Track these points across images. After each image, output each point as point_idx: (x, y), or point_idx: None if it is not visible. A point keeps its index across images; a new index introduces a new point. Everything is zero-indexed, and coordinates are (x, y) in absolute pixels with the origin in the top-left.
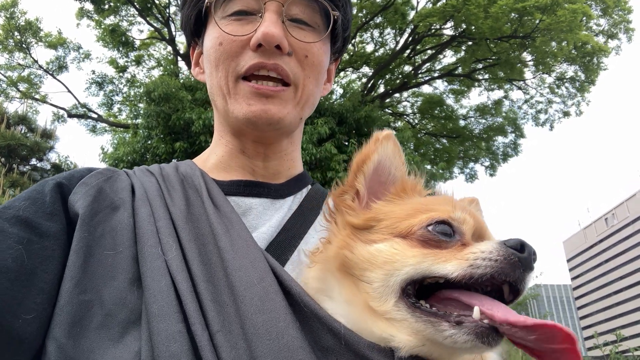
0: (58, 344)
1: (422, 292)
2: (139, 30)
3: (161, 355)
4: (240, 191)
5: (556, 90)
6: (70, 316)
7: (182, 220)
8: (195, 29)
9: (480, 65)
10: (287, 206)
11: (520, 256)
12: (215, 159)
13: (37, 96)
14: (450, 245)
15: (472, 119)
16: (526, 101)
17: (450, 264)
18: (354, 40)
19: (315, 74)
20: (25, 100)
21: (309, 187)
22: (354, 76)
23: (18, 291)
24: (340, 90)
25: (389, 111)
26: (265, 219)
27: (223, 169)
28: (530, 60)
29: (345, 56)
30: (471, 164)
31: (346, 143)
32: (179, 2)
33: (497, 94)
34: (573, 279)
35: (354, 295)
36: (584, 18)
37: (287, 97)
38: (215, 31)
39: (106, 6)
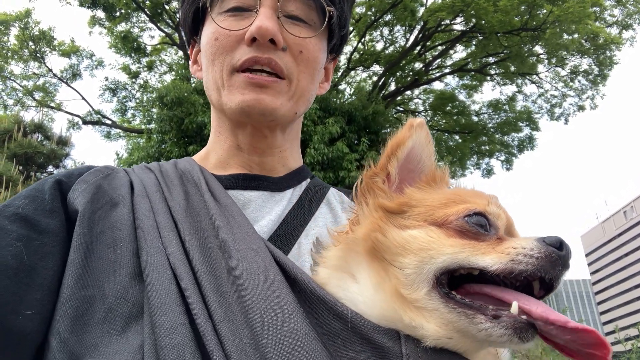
0: (61, 338)
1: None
2: (150, 36)
3: (164, 347)
4: (239, 184)
5: (570, 83)
6: (73, 311)
7: (182, 214)
8: (193, 27)
9: (491, 60)
10: (287, 199)
11: (560, 254)
12: (215, 158)
13: (52, 104)
14: (488, 239)
15: (486, 114)
16: (540, 95)
17: (489, 257)
18: (363, 39)
19: (310, 69)
20: (41, 108)
21: (308, 180)
22: (364, 75)
23: (18, 288)
24: (351, 90)
25: (401, 109)
26: (264, 211)
27: (222, 167)
28: (542, 54)
29: (356, 55)
30: (486, 159)
31: (357, 142)
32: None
33: (510, 88)
34: (592, 273)
35: (383, 280)
36: (596, 8)
37: (281, 88)
38: (211, 27)
39: (117, 13)
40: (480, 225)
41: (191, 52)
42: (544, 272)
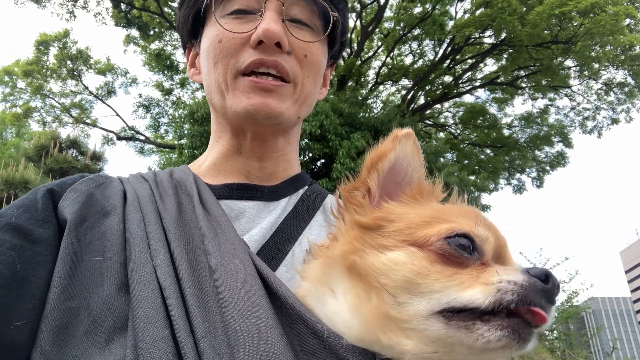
0: (42, 351)
1: None
2: (183, 54)
3: None
4: (233, 194)
5: (604, 96)
6: (56, 323)
7: (173, 226)
8: (193, 30)
9: (522, 73)
10: (281, 208)
11: (544, 287)
12: (210, 162)
13: (88, 121)
14: (471, 264)
15: (517, 128)
16: (573, 108)
17: (476, 291)
18: (392, 53)
19: (314, 73)
20: (77, 125)
21: (306, 187)
22: (393, 89)
23: (10, 297)
24: (379, 105)
25: (430, 122)
26: (258, 221)
27: (218, 172)
28: (575, 67)
29: (384, 70)
30: (517, 175)
31: None
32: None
33: (542, 102)
34: (632, 291)
35: (362, 300)
36: (630, 20)
37: (287, 92)
38: (214, 29)
39: (151, 32)
40: (463, 247)
41: (188, 56)
42: (530, 301)
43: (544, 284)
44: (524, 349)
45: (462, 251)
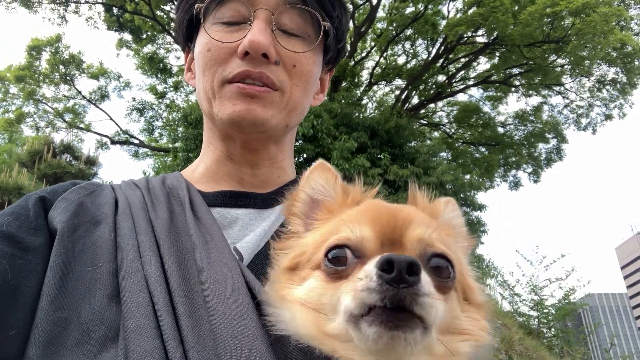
0: None
1: None
2: (176, 57)
3: None
4: (226, 202)
5: (597, 93)
6: (46, 334)
7: (164, 234)
8: (188, 34)
9: (516, 71)
10: (275, 215)
11: (387, 278)
12: (203, 168)
13: (81, 125)
14: (349, 272)
15: (512, 126)
16: (566, 106)
17: (349, 299)
18: (385, 54)
19: (303, 83)
20: (70, 129)
21: None
22: (386, 89)
23: (1, 307)
24: (373, 105)
25: (425, 122)
26: (251, 229)
27: (211, 178)
28: (566, 65)
29: (378, 70)
30: (513, 171)
31: (380, 157)
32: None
33: (536, 99)
34: (628, 287)
35: (311, 319)
36: (621, 20)
37: (273, 99)
38: (204, 37)
39: (144, 36)
40: (337, 260)
41: (186, 59)
42: (389, 301)
43: (388, 274)
44: (413, 338)
45: (335, 266)
